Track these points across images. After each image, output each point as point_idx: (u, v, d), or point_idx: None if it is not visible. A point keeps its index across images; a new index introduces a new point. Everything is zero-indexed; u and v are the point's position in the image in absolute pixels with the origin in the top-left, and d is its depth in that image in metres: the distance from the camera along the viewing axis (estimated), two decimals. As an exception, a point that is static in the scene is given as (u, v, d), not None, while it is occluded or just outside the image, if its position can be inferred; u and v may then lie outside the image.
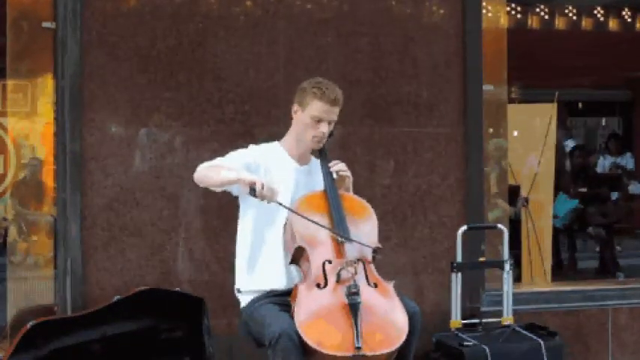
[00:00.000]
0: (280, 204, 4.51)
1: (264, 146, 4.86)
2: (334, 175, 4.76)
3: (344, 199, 4.72)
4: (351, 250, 4.53)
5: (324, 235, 4.55)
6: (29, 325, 5.41)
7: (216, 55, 6.21)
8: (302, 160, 4.84)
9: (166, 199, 6.10)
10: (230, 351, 5.93)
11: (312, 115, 4.71)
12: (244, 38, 6.26)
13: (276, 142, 4.88)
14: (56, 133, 6.06)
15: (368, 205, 4.81)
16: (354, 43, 6.48)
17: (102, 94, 6.01)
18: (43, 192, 6.46)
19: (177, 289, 5.96)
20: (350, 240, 4.52)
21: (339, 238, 4.53)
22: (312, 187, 4.77)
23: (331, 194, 4.69)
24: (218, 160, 4.68)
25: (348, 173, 4.79)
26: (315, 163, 4.87)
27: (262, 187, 4.39)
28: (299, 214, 4.53)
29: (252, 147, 4.84)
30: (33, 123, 6.63)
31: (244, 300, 4.74)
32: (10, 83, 6.60)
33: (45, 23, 6.09)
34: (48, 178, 6.36)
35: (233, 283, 4.82)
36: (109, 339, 5.65)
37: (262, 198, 4.43)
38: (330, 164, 4.79)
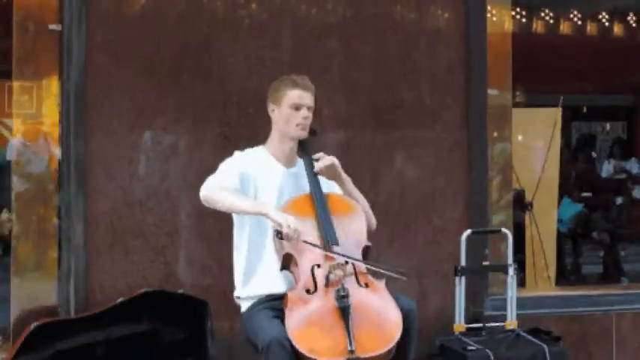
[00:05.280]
0: (306, 242, 4.47)
1: (249, 152, 4.85)
2: (316, 168, 4.74)
3: (330, 200, 4.70)
4: (342, 256, 4.51)
5: (310, 240, 4.52)
6: (32, 326, 5.42)
7: (221, 58, 6.22)
8: (288, 163, 4.83)
9: (170, 202, 6.11)
10: (232, 354, 5.93)
11: (290, 104, 4.73)
12: (249, 42, 6.27)
13: (261, 146, 4.87)
14: (61, 135, 6.08)
15: (354, 203, 4.79)
16: (358, 48, 6.48)
17: (106, 97, 6.02)
18: (47, 194, 6.46)
19: (181, 291, 5.96)
20: (338, 254, 4.49)
21: (330, 253, 4.50)
22: (299, 189, 4.76)
23: (317, 196, 4.68)
24: (219, 180, 4.62)
25: (328, 161, 4.75)
26: (302, 165, 4.84)
27: (289, 228, 4.38)
28: (319, 248, 4.49)
29: (237, 154, 4.82)
30: (38, 125, 6.63)
31: (244, 305, 4.74)
32: (15, 85, 6.60)
33: (51, 25, 6.10)
34: (52, 180, 6.37)
35: (234, 287, 4.83)
36: (112, 341, 5.66)
37: (289, 240, 4.43)
38: (314, 157, 4.77)
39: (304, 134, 4.78)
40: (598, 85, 13.80)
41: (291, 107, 4.73)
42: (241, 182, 4.65)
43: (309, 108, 4.76)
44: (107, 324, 5.66)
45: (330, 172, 4.76)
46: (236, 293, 4.79)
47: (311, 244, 4.48)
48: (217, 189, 4.58)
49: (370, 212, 4.90)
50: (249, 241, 4.72)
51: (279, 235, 4.40)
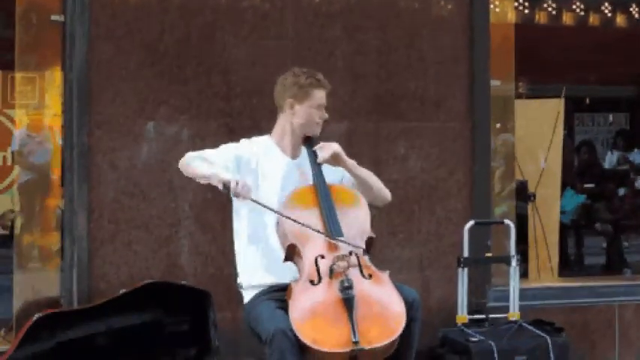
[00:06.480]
0: (255, 201, 4.47)
1: (255, 140, 4.84)
2: (319, 159, 4.71)
3: (333, 191, 4.68)
4: (343, 243, 4.50)
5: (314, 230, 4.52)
6: (35, 317, 5.42)
7: (224, 48, 6.21)
8: (293, 154, 4.82)
9: (173, 193, 6.11)
10: (236, 344, 5.93)
11: (315, 104, 4.75)
12: (252, 31, 6.26)
13: (267, 135, 4.86)
14: (64, 125, 6.08)
15: (358, 193, 4.76)
16: (362, 38, 6.48)
17: (109, 87, 6.02)
18: (50, 184, 6.46)
19: (184, 282, 5.96)
20: (340, 240, 4.47)
21: (332, 240, 4.49)
22: (303, 180, 4.74)
23: (320, 187, 4.66)
24: (206, 152, 4.67)
25: (330, 150, 4.71)
26: (306, 155, 4.81)
27: (237, 185, 4.38)
28: (275, 212, 4.49)
29: (243, 141, 4.82)
30: (41, 115, 6.63)
31: (247, 296, 4.73)
32: (18, 76, 6.62)
33: (54, 16, 6.10)
34: (55, 171, 6.37)
35: (237, 277, 4.82)
36: (115, 332, 5.66)
37: (237, 196, 4.42)
38: (316, 147, 4.75)
39: (318, 131, 4.81)
40: (601, 76, 13.78)
41: (315, 107, 4.76)
42: (239, 166, 4.64)
43: (325, 107, 4.81)
44: (110, 315, 5.66)
45: (334, 159, 4.75)
46: (239, 282, 4.79)
47: (259, 203, 4.47)
48: (195, 157, 4.63)
49: (382, 187, 4.88)
50: (249, 230, 4.72)
51: (225, 189, 4.38)
